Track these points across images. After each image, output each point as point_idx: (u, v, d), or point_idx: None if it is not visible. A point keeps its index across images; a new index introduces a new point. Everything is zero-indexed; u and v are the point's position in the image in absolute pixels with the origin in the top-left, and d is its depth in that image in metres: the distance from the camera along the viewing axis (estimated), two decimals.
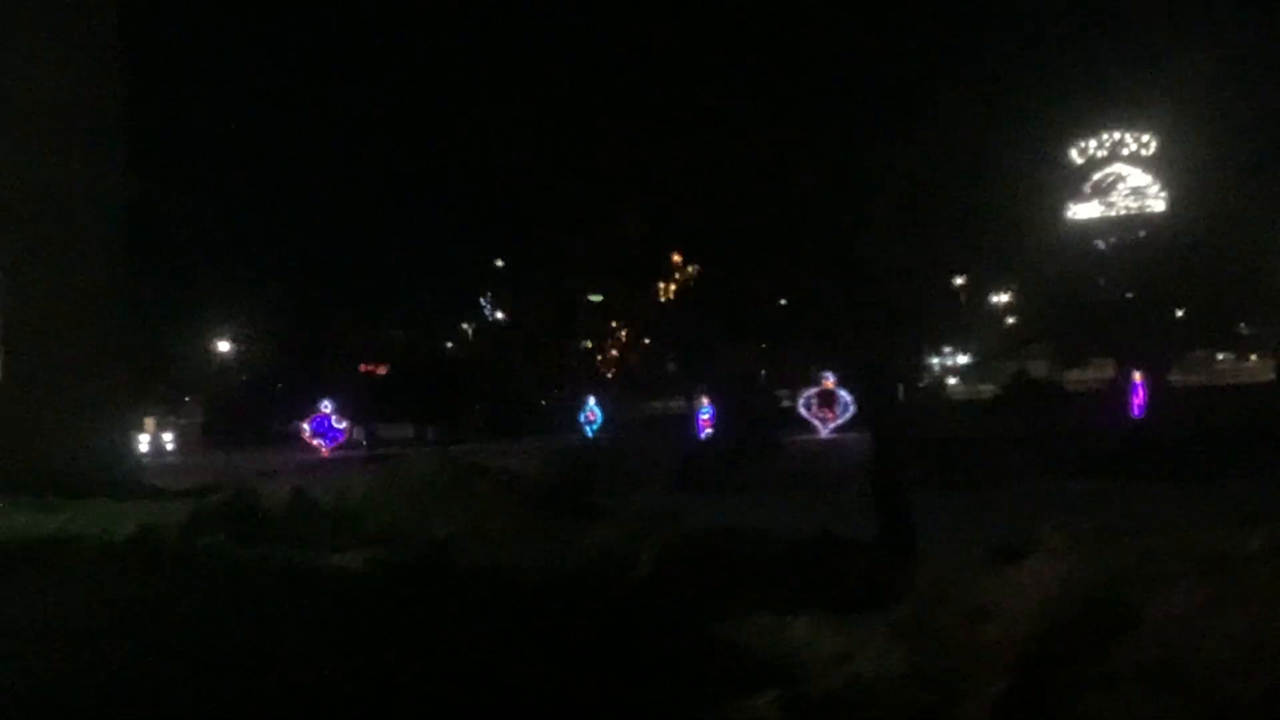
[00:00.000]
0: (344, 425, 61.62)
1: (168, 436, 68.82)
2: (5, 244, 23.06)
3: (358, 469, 23.46)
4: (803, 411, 56.80)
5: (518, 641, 8.56)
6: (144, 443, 54.61)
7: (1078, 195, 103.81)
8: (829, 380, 55.32)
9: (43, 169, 23.07)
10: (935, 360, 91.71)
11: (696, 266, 73.82)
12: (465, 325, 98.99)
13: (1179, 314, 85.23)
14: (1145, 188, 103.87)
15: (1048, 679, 5.39)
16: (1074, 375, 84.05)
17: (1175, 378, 74.62)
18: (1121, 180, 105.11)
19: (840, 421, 54.36)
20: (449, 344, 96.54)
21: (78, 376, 23.03)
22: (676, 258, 77.12)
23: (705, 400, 56.72)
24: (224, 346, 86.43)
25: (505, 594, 10.40)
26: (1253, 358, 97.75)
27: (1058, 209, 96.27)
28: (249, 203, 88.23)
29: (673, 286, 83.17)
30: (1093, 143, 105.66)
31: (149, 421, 62.94)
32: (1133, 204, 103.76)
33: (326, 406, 60.68)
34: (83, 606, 10.75)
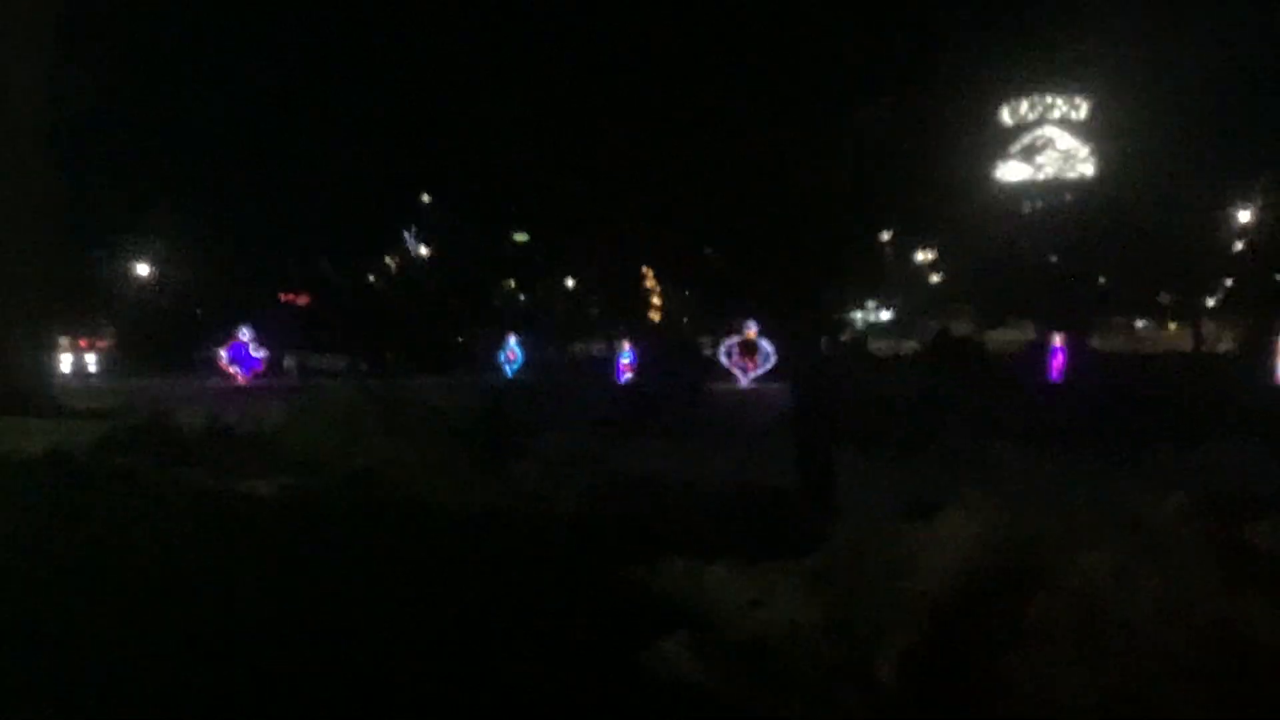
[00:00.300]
0: (263, 354, 61.09)
1: (90, 359, 68.15)
2: None
3: (278, 398, 23.28)
4: (723, 360, 56.88)
5: (427, 575, 8.52)
6: (64, 364, 54.01)
7: (1006, 156, 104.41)
8: (751, 330, 55.39)
9: None
10: (859, 316, 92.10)
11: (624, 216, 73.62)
12: (388, 259, 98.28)
13: (1101, 280, 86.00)
14: (1073, 151, 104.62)
15: (962, 634, 5.41)
16: (995, 336, 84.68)
17: (1095, 343, 75.23)
18: (1050, 144, 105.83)
19: (760, 371, 54.48)
20: (370, 277, 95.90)
21: None
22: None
23: (626, 345, 56.71)
24: (143, 269, 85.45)
25: (420, 527, 10.36)
26: (1171, 326, 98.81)
27: (986, 170, 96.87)
28: (174, 116, 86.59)
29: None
30: (1024, 104, 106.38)
31: (66, 342, 62.20)
32: (1061, 168, 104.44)
33: (244, 334, 60.12)
34: None
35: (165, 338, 72.86)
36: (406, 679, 6.19)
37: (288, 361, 65.84)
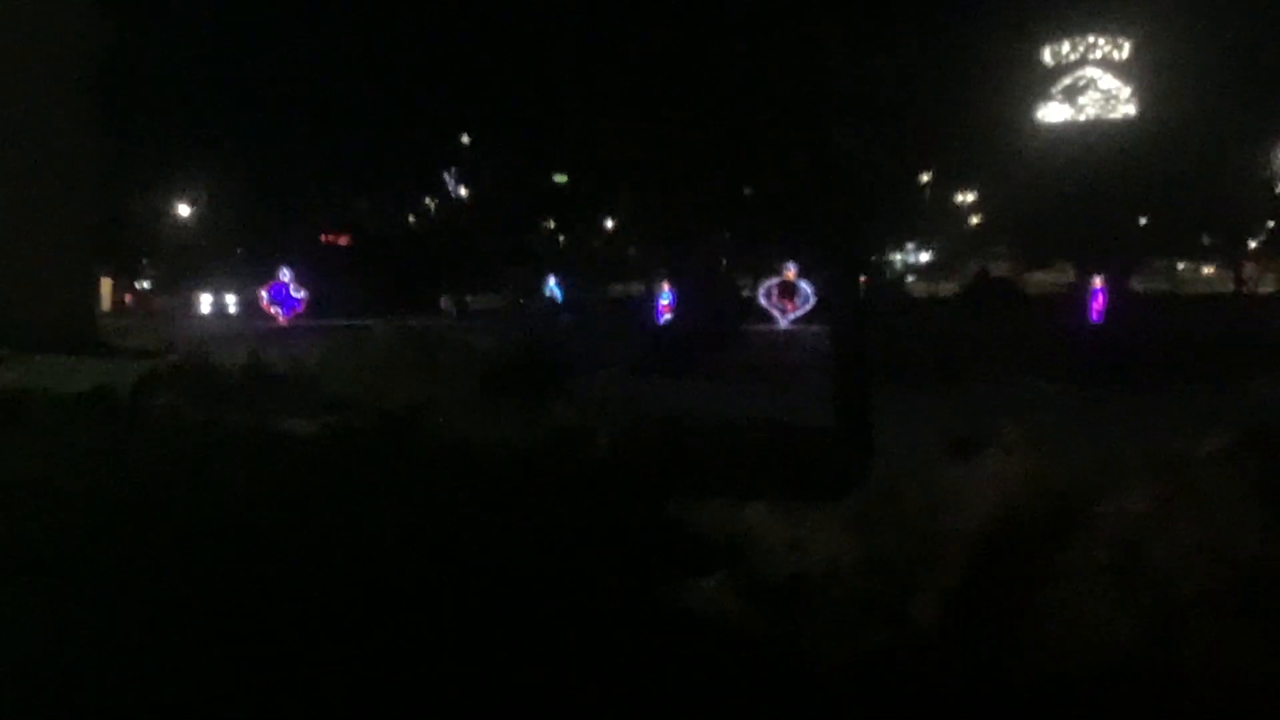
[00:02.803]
0: (303, 294, 61.17)
1: (130, 298, 68.62)
2: None
3: (318, 338, 23.37)
4: (762, 301, 56.71)
5: (467, 512, 8.57)
6: (103, 303, 54.30)
7: (1047, 97, 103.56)
8: (790, 271, 55.20)
9: (2, 11, 22.68)
10: (897, 257, 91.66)
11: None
12: (428, 200, 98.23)
13: (1142, 221, 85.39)
14: (1115, 92, 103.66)
15: (1002, 572, 5.42)
16: (1035, 278, 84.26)
17: (1136, 285, 74.77)
18: (1092, 84, 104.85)
19: (800, 313, 54.30)
20: (411, 217, 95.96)
21: (37, 232, 22.84)
22: None
23: (665, 286, 56.61)
24: (184, 210, 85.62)
25: (459, 466, 10.40)
26: (1212, 268, 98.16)
27: (1027, 110, 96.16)
28: (217, 57, 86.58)
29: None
30: (1065, 45, 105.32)
31: (107, 282, 62.48)
32: (1103, 109, 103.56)
33: (285, 275, 60.20)
34: (29, 457, 10.75)
35: (207, 278, 73.11)
36: (446, 614, 6.23)
37: (444, 302, 66.06)
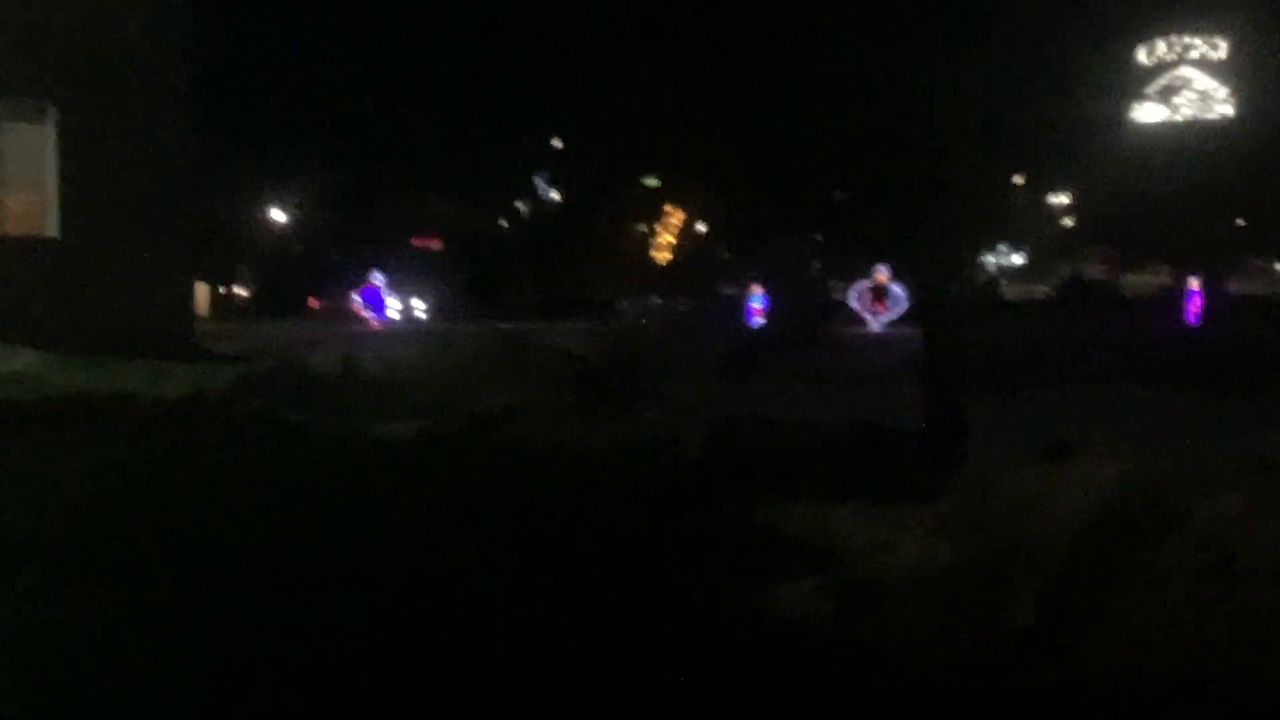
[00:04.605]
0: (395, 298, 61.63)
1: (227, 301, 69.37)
2: (66, 94, 23.03)
3: (410, 342, 23.53)
4: (854, 304, 56.53)
5: (563, 517, 8.61)
6: (200, 307, 54.91)
7: (1142, 98, 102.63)
8: (882, 274, 54.97)
9: (104, 14, 22.97)
10: (991, 259, 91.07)
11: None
12: (519, 204, 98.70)
13: (1240, 222, 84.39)
14: (1212, 92, 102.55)
15: (1093, 577, 5.39)
16: (1130, 279, 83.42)
17: (1233, 286, 73.83)
18: (1188, 84, 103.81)
19: (892, 316, 54.06)
20: (503, 221, 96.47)
21: (136, 236, 23.12)
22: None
23: (757, 289, 56.43)
24: (279, 215, 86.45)
25: (552, 469, 10.46)
26: None
27: (1122, 111, 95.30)
28: (310, 61, 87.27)
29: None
30: (1161, 45, 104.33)
31: (203, 286, 63.22)
32: (1199, 109, 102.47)
33: (377, 278, 60.64)
34: (131, 462, 10.90)
35: (300, 282, 73.75)
36: (542, 618, 6.28)
37: (624, 303, 66.06)
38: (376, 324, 57.43)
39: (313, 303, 71.71)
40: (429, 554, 7.57)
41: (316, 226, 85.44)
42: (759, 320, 52.95)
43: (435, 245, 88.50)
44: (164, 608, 6.47)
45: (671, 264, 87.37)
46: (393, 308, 61.35)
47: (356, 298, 60.86)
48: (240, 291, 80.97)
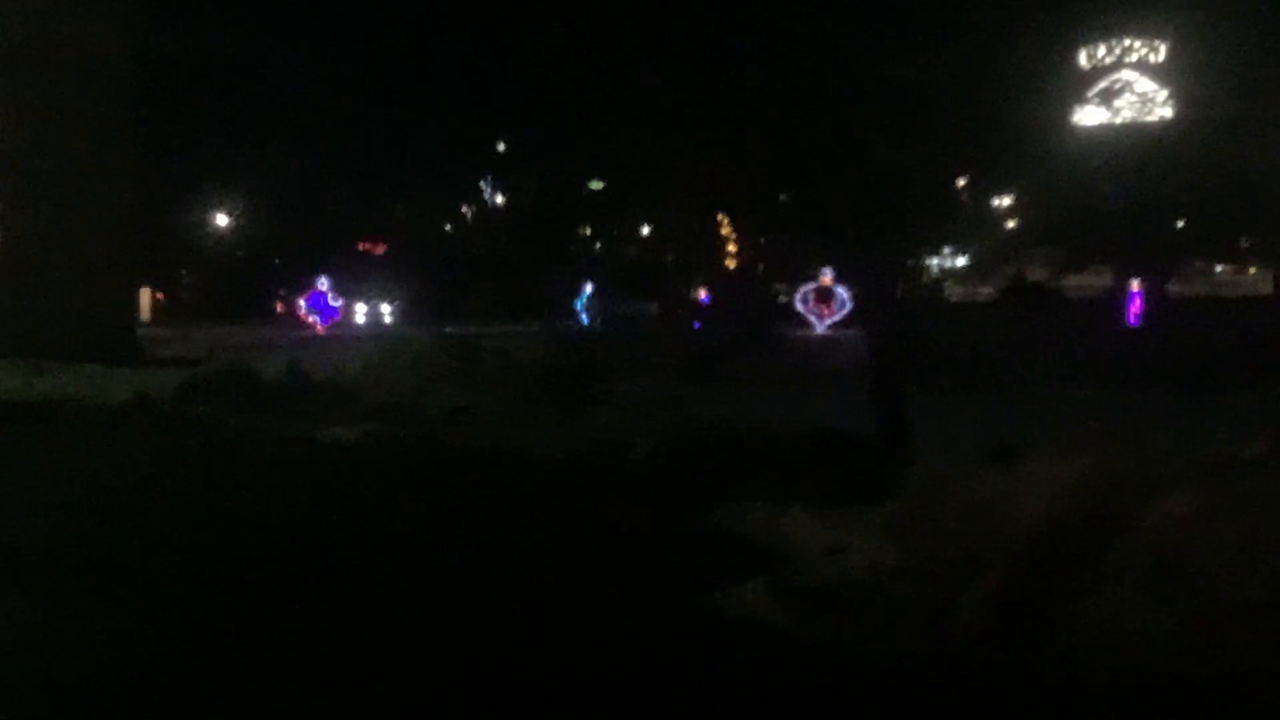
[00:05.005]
0: (340, 303, 61.46)
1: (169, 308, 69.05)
2: (2, 101, 22.86)
3: (356, 346, 23.48)
4: (799, 307, 56.78)
5: (510, 519, 8.61)
6: (142, 312, 54.65)
7: (1083, 101, 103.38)
8: (827, 277, 55.24)
9: (43, 22, 22.80)
10: (934, 261, 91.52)
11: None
12: (464, 208, 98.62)
13: (1180, 224, 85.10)
14: (1152, 95, 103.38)
15: (1044, 578, 5.43)
16: (1072, 281, 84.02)
17: (1174, 287, 74.46)
18: (1128, 87, 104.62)
19: (837, 318, 54.40)
20: (448, 225, 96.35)
21: (78, 241, 22.97)
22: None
23: (702, 292, 56.60)
24: (222, 220, 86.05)
25: (502, 472, 10.46)
26: (1251, 270, 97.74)
27: (1063, 114, 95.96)
28: (251, 65, 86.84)
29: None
30: (1101, 48, 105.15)
31: (146, 291, 62.84)
32: (1139, 111, 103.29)
33: (322, 283, 60.46)
34: (73, 465, 10.84)
35: (243, 287, 73.46)
36: (489, 619, 6.27)
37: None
38: (321, 329, 57.28)
39: (279, 308, 71.34)
40: (372, 558, 7.55)
41: (260, 233, 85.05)
42: (700, 322, 53.09)
43: (379, 250, 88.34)
44: (99, 610, 6.43)
45: (623, 267, 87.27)
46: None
47: (301, 303, 60.68)
48: (183, 298, 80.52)
